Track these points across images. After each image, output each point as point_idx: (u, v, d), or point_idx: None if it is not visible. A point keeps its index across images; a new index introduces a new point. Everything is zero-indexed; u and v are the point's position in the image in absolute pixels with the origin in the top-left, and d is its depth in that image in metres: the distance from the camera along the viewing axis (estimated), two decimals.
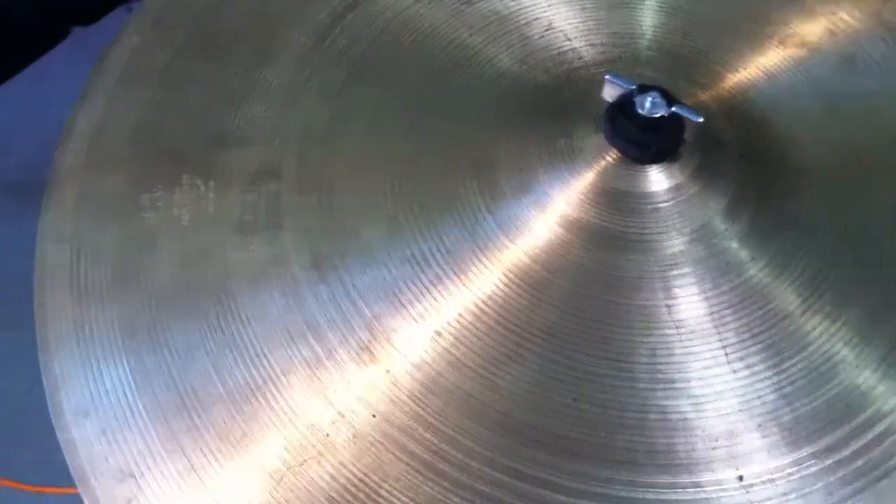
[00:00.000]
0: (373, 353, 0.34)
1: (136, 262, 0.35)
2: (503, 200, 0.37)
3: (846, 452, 0.32)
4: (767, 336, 0.34)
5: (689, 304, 0.35)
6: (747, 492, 0.32)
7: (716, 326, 0.34)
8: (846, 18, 0.42)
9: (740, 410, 0.33)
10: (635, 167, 0.36)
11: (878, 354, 0.34)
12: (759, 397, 0.33)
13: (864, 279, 0.36)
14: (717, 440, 0.32)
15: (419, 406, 0.33)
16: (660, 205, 0.36)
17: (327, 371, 0.33)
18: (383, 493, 0.31)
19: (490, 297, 0.35)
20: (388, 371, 0.33)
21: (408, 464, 0.31)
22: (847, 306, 0.35)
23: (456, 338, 0.34)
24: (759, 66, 0.40)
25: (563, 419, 0.32)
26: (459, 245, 0.36)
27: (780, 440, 0.32)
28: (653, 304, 0.35)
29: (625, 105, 0.35)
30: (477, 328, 0.34)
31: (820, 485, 0.32)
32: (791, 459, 0.32)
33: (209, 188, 0.37)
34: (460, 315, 0.34)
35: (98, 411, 0.32)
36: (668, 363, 0.34)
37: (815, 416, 0.33)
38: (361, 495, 0.31)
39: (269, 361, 0.33)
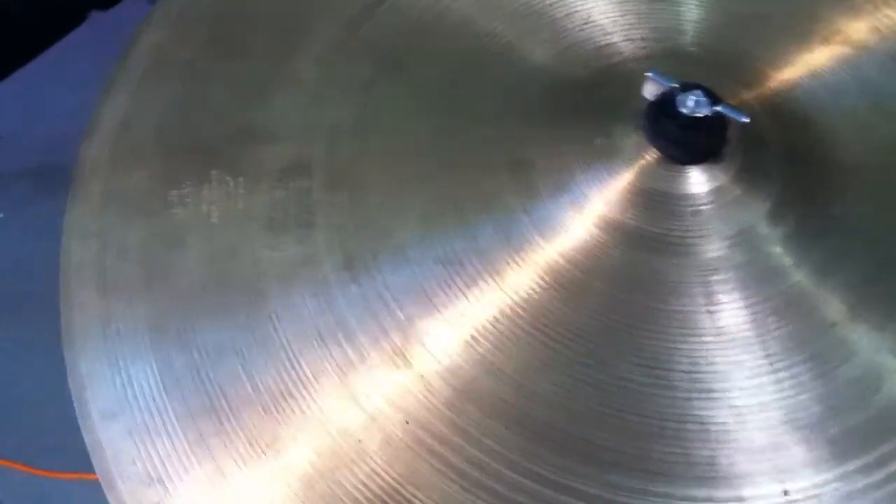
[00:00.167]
0: (406, 357, 0.33)
1: (164, 260, 0.34)
2: (539, 200, 0.36)
3: (894, 467, 0.31)
4: (813, 345, 0.33)
5: (730, 310, 0.34)
6: None
7: (759, 334, 0.33)
8: (892, 16, 0.41)
9: (785, 422, 0.32)
10: (676, 168, 0.35)
11: None
12: (805, 409, 0.32)
13: None
14: (760, 453, 0.31)
15: (453, 413, 0.32)
16: (701, 207, 0.35)
17: (359, 374, 0.32)
18: (417, 503, 0.30)
19: (525, 300, 0.34)
20: (421, 376, 0.32)
21: (443, 472, 0.30)
22: (895, 315, 0.34)
23: (491, 342, 0.33)
24: (804, 63, 0.38)
25: (599, 428, 0.31)
26: (494, 246, 0.35)
27: (827, 453, 0.31)
28: (693, 311, 0.34)
29: (666, 104, 0.34)
30: (512, 332, 0.33)
31: (867, 500, 0.31)
32: (838, 473, 0.31)
33: (238, 184, 0.36)
34: (495, 318, 0.33)
35: (125, 413, 0.32)
36: (708, 372, 0.33)
37: (863, 428, 0.32)
38: None
39: (299, 363, 0.33)
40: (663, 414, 0.32)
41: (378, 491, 0.30)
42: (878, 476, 0.31)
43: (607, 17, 0.40)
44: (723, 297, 0.34)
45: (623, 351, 0.33)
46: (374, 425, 0.31)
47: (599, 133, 0.36)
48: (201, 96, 0.38)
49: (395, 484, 0.30)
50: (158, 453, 0.31)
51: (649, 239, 0.35)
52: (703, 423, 0.32)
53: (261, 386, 0.32)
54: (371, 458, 0.31)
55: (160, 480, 0.31)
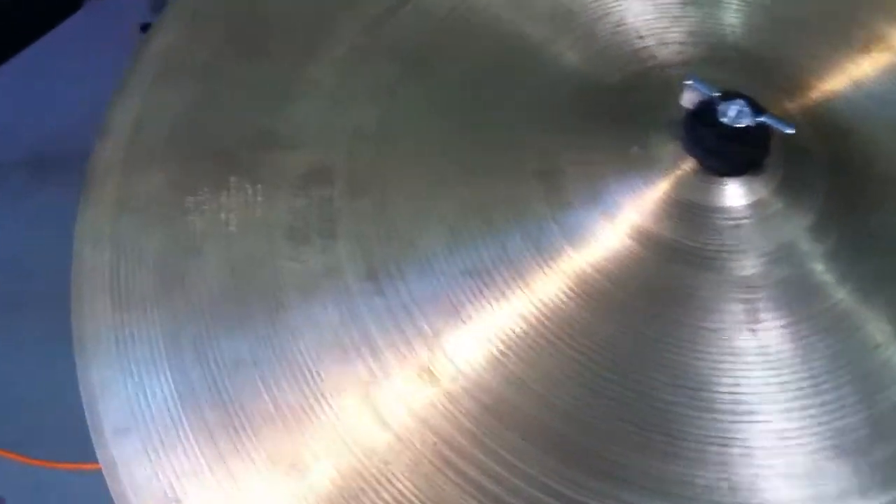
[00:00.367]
0: (433, 373, 0.31)
1: (180, 268, 0.33)
2: (570, 209, 0.34)
3: None
4: (858, 366, 0.32)
5: (772, 329, 0.32)
6: None
7: (802, 354, 0.32)
8: None
9: (829, 447, 0.31)
10: (714, 180, 0.34)
11: None
12: (850, 432, 0.31)
13: None
14: (804, 478, 0.30)
15: (483, 432, 0.30)
16: (741, 221, 0.34)
17: (384, 390, 0.31)
18: None
19: (556, 314, 0.32)
20: (448, 392, 0.31)
21: (474, 497, 0.29)
22: None
23: (521, 358, 0.32)
24: (846, 71, 0.37)
25: (641, 452, 0.30)
26: (523, 256, 0.33)
27: (873, 480, 0.30)
28: (732, 329, 0.32)
29: (706, 113, 0.33)
30: (542, 348, 0.32)
31: None
32: (886, 500, 0.30)
33: (257, 192, 0.35)
34: (525, 333, 0.32)
35: (140, 428, 0.30)
36: (750, 392, 0.31)
37: None
38: None
39: (321, 378, 0.31)
40: (703, 436, 0.31)
41: None
42: None
43: (641, 20, 0.39)
44: (764, 316, 0.32)
45: (659, 369, 0.32)
46: (400, 445, 0.30)
47: (635, 141, 0.35)
48: (217, 99, 0.37)
49: None
50: (175, 472, 0.30)
51: (685, 252, 0.34)
52: (746, 447, 0.31)
53: (281, 402, 0.31)
54: (399, 479, 0.29)
55: (177, 501, 0.29)
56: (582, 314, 0.32)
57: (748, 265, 0.34)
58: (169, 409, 0.31)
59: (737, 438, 0.31)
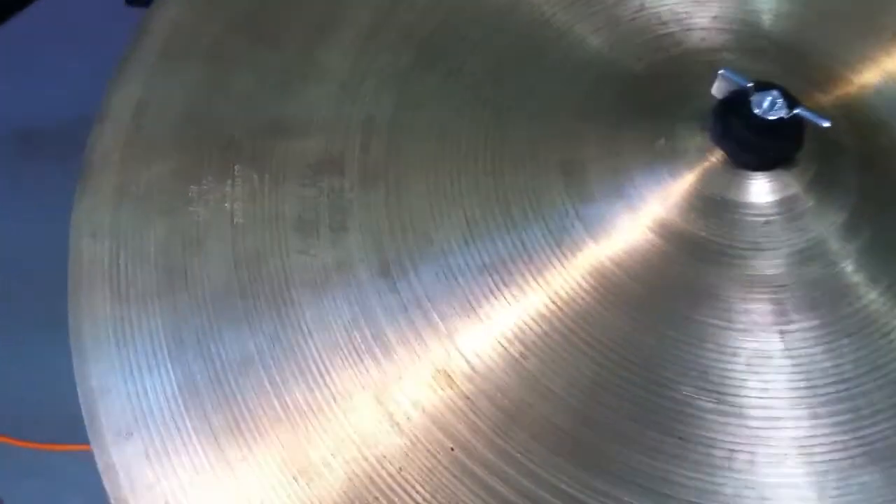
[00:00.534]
0: (450, 377, 0.30)
1: (183, 262, 0.31)
2: (593, 203, 0.33)
3: None
4: (890, 370, 0.30)
5: (801, 331, 0.31)
6: None
7: (831, 358, 0.31)
8: None
9: (862, 454, 0.29)
10: (743, 174, 0.32)
11: None
12: (883, 439, 0.30)
13: None
14: (833, 488, 0.29)
15: (502, 438, 0.29)
16: (770, 218, 0.32)
17: (398, 393, 0.30)
18: None
19: (580, 316, 0.31)
20: (467, 397, 0.30)
21: None
22: None
23: (543, 361, 0.30)
24: (879, 63, 0.35)
25: (663, 460, 0.29)
26: (543, 251, 0.32)
27: None
28: (759, 330, 0.31)
29: (738, 104, 0.31)
30: (566, 351, 0.30)
31: None
32: None
33: (264, 181, 0.33)
34: (547, 335, 0.31)
35: (142, 431, 0.29)
36: (777, 397, 0.30)
37: None
38: None
39: (332, 380, 0.30)
40: (732, 443, 0.29)
41: None
42: None
43: (664, 5, 0.37)
44: (795, 317, 0.31)
45: (688, 373, 0.30)
46: (415, 451, 0.29)
47: (660, 132, 0.33)
48: (224, 83, 0.35)
49: None
50: (179, 478, 0.28)
51: (711, 250, 0.32)
52: (773, 455, 0.29)
53: (290, 404, 0.29)
54: (413, 487, 0.28)
55: None
56: (602, 312, 0.31)
57: (776, 264, 0.32)
58: (171, 411, 0.29)
59: (763, 445, 0.30)
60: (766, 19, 0.37)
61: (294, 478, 0.28)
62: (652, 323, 0.31)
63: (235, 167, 0.33)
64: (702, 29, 0.37)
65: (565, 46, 0.36)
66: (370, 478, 0.28)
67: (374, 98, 0.35)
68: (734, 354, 0.31)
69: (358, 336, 0.30)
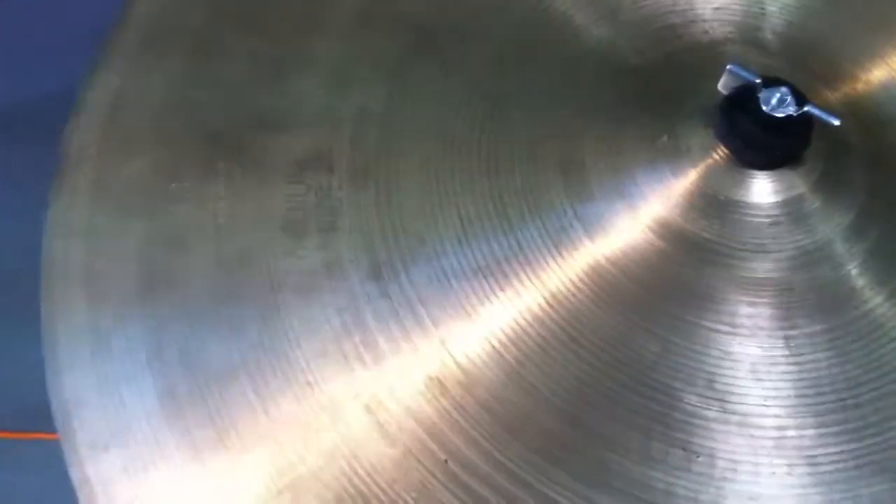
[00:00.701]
0: (443, 385, 0.29)
1: (163, 265, 0.30)
2: (592, 203, 0.31)
3: None
4: None
5: (806, 336, 0.30)
6: None
7: (838, 364, 0.30)
8: None
9: (869, 464, 0.29)
10: (749, 173, 0.31)
11: None
12: (893, 448, 0.29)
13: None
14: (840, 500, 0.28)
15: (498, 450, 0.28)
16: (775, 218, 0.31)
17: (390, 403, 0.28)
18: None
19: (579, 320, 0.30)
20: (461, 406, 0.28)
21: None
22: None
23: (540, 369, 0.29)
24: (887, 60, 0.34)
25: (666, 471, 0.28)
26: (540, 252, 0.31)
27: None
28: (766, 335, 0.30)
29: (746, 100, 0.30)
30: (565, 358, 0.29)
31: None
32: None
33: (249, 179, 0.31)
34: (545, 340, 0.29)
35: (119, 445, 0.27)
36: (782, 405, 0.29)
37: None
38: None
39: (320, 390, 0.28)
40: (736, 454, 0.28)
41: None
42: None
43: None
44: (800, 322, 0.30)
45: (692, 381, 0.29)
46: (408, 464, 0.28)
47: (662, 128, 0.32)
48: (207, 73, 0.33)
49: None
50: (158, 493, 0.27)
51: (714, 251, 0.31)
52: (777, 464, 0.28)
53: (277, 416, 0.28)
54: (405, 502, 0.27)
55: None
56: (602, 317, 0.30)
57: (781, 266, 0.31)
58: (151, 424, 0.28)
59: (767, 455, 0.29)
60: (771, 10, 0.35)
61: (280, 493, 0.27)
62: (654, 328, 0.30)
63: (219, 163, 0.32)
64: (704, 21, 0.35)
65: (566, 36, 0.35)
66: (360, 492, 0.27)
67: (365, 90, 0.33)
68: (739, 361, 0.30)
69: (347, 343, 0.29)
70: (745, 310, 0.30)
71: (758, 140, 0.30)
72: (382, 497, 0.27)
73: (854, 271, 0.31)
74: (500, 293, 0.30)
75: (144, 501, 0.27)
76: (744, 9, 0.36)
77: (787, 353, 0.30)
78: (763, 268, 0.31)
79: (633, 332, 0.30)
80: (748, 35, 0.35)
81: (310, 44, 0.34)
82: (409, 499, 0.27)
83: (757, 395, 0.29)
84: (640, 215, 0.31)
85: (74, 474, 0.27)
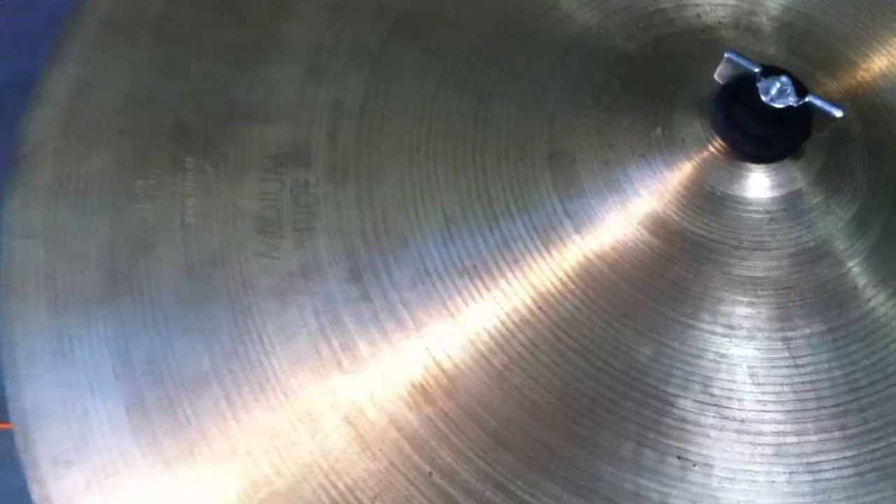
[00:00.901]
0: (427, 392, 0.27)
1: (129, 268, 0.28)
2: (583, 198, 0.30)
3: None
4: None
5: (806, 337, 0.29)
6: None
7: (839, 366, 0.29)
8: None
9: (871, 469, 0.28)
10: (746, 166, 0.30)
11: None
12: (894, 453, 0.28)
13: None
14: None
15: (485, 461, 0.26)
16: (774, 214, 0.30)
17: (371, 414, 0.27)
18: None
19: (568, 322, 0.28)
20: (446, 415, 0.27)
21: None
22: None
23: (528, 374, 0.28)
24: (890, 47, 0.33)
25: (660, 481, 0.27)
26: (529, 252, 0.29)
27: None
28: (765, 337, 0.29)
29: (744, 90, 0.28)
30: (554, 362, 0.28)
31: None
32: None
33: (220, 174, 0.30)
34: (533, 344, 0.28)
35: (83, 460, 0.26)
36: (781, 410, 0.28)
37: None
38: None
39: (297, 398, 0.27)
40: (734, 461, 0.27)
41: None
42: None
43: None
44: (800, 322, 0.29)
45: (685, 384, 0.28)
46: (390, 477, 0.26)
47: (656, 120, 0.30)
48: (174, 61, 0.32)
49: None
50: None
51: (709, 248, 0.29)
52: (775, 471, 0.27)
53: (250, 425, 0.26)
54: None
55: None
56: (593, 318, 0.28)
57: (780, 264, 0.30)
58: (116, 436, 0.26)
59: (767, 462, 0.28)
60: None
61: None
62: (647, 329, 0.29)
63: (187, 158, 0.30)
64: (696, 4, 0.34)
65: (552, 22, 0.33)
66: None
67: (342, 79, 0.32)
68: (736, 364, 0.28)
69: (326, 348, 0.28)
70: (742, 310, 0.29)
71: (756, 132, 0.29)
72: None
73: (855, 269, 0.30)
74: (485, 294, 0.29)
75: None
76: None
77: (786, 355, 0.29)
78: (761, 266, 0.30)
79: (624, 333, 0.28)
80: (742, 19, 0.34)
81: (283, 30, 0.32)
82: None
83: (755, 399, 0.28)
84: (632, 211, 0.30)
85: (34, 491, 0.26)
